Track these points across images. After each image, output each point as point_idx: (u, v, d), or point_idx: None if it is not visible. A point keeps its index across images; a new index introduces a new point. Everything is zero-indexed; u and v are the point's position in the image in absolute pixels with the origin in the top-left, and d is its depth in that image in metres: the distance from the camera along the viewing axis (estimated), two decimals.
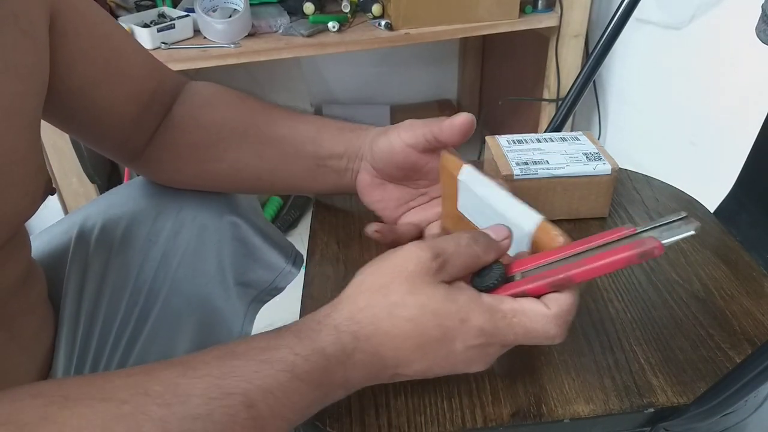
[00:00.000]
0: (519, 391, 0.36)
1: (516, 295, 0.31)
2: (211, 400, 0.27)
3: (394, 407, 0.35)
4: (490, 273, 0.32)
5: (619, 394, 0.36)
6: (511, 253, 0.34)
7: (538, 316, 0.31)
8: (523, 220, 0.35)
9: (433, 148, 0.43)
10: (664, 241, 0.29)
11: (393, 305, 0.30)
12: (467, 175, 0.39)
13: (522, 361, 0.38)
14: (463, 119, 0.40)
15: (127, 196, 0.51)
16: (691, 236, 0.29)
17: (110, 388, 0.26)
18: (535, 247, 0.34)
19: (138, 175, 0.53)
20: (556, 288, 0.31)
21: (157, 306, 0.49)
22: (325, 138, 0.46)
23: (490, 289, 0.32)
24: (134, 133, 0.47)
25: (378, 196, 0.47)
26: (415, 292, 0.30)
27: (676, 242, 0.29)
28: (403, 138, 0.42)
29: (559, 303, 0.31)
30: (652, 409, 0.35)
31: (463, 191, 0.40)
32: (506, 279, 0.32)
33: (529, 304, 0.31)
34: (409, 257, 0.31)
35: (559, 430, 0.35)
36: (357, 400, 0.36)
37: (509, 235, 0.34)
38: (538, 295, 0.31)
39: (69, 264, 0.47)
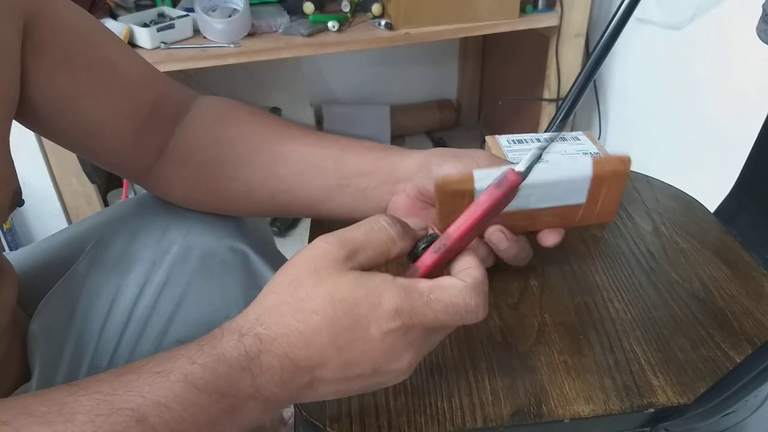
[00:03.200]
0: (519, 391, 0.36)
1: (428, 270, 0.31)
2: (97, 417, 0.25)
3: (394, 407, 0.35)
4: (422, 241, 0.32)
5: (620, 394, 0.36)
6: (568, 201, 0.39)
7: (456, 288, 0.29)
8: (579, 170, 0.38)
9: None
10: (518, 168, 0.31)
11: (299, 300, 0.28)
12: (484, 178, 0.37)
13: (522, 362, 0.38)
14: None
15: (133, 213, 0.50)
16: (538, 156, 0.31)
17: None
18: (598, 182, 0.38)
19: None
20: (449, 255, 0.31)
21: (157, 331, 0.48)
22: (351, 156, 0.43)
23: (418, 257, 0.32)
24: (135, 147, 0.45)
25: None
26: (321, 284, 0.29)
27: (530, 166, 0.31)
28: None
29: (472, 274, 0.30)
30: (652, 409, 0.35)
31: None
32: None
33: (445, 280, 0.30)
34: (315, 250, 0.30)
35: (559, 430, 0.35)
36: (357, 401, 0.36)
37: (426, 227, 0.34)
38: (444, 268, 0.32)
39: (60, 279, 0.46)
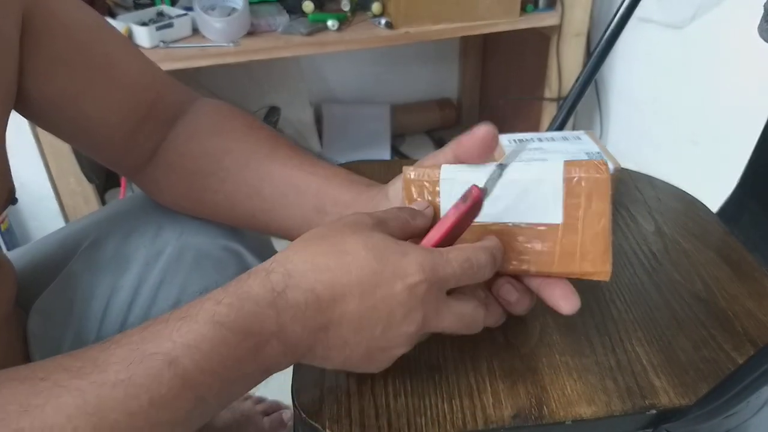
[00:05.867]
0: (520, 393, 0.36)
1: None
2: (130, 365, 0.26)
3: (394, 409, 0.35)
4: None
5: (621, 395, 0.36)
6: (542, 217, 0.36)
7: (469, 246, 0.33)
8: (548, 173, 0.35)
9: None
10: (480, 185, 0.33)
11: (332, 244, 0.31)
12: (452, 171, 0.37)
13: (523, 363, 0.38)
14: (484, 131, 0.35)
15: (126, 212, 0.50)
16: (497, 173, 0.34)
17: (31, 369, 0.27)
18: (573, 191, 0.35)
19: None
20: None
21: None
22: (334, 185, 0.42)
23: None
24: (131, 146, 0.45)
25: None
26: (355, 234, 0.31)
27: (489, 181, 0.34)
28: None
29: (489, 238, 0.34)
30: (654, 411, 0.35)
31: (447, 190, 0.38)
32: None
33: (459, 244, 0.33)
34: (347, 217, 0.33)
35: None
36: (357, 402, 0.35)
37: (428, 206, 0.36)
38: None
39: (56, 278, 0.46)
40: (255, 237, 0.53)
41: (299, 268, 0.30)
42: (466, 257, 0.32)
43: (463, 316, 0.33)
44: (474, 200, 0.33)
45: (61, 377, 0.26)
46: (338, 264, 0.30)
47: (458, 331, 0.34)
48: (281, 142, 0.45)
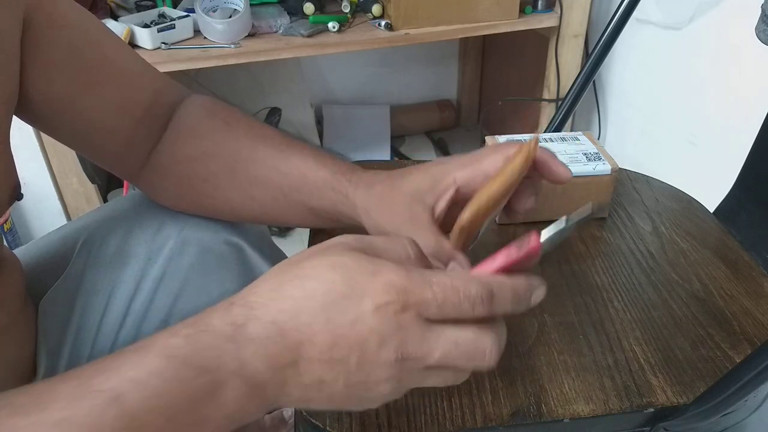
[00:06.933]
0: (519, 391, 0.36)
1: None
2: (73, 401, 0.24)
3: (394, 407, 0.35)
4: None
5: (619, 393, 0.36)
6: None
7: (460, 274, 0.28)
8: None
9: None
10: (542, 239, 0.29)
11: (301, 268, 0.27)
12: None
13: (521, 361, 0.38)
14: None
15: (128, 209, 0.50)
16: (565, 228, 0.29)
17: None
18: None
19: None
20: None
21: (155, 326, 0.48)
22: (312, 190, 0.42)
23: None
24: (129, 148, 0.45)
25: None
26: (326, 254, 0.27)
27: (553, 235, 0.29)
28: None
29: (487, 273, 0.28)
30: (651, 409, 0.35)
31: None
32: None
33: (453, 270, 0.30)
34: (332, 240, 0.29)
35: (558, 429, 0.35)
36: None
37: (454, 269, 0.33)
38: None
39: (60, 275, 0.46)
40: (256, 231, 0.53)
41: (261, 299, 0.27)
42: (453, 285, 0.26)
43: (458, 344, 0.27)
44: (529, 251, 0.28)
45: (3, 414, 0.24)
46: (301, 291, 0.27)
47: (460, 365, 0.28)
48: (260, 136, 0.45)
